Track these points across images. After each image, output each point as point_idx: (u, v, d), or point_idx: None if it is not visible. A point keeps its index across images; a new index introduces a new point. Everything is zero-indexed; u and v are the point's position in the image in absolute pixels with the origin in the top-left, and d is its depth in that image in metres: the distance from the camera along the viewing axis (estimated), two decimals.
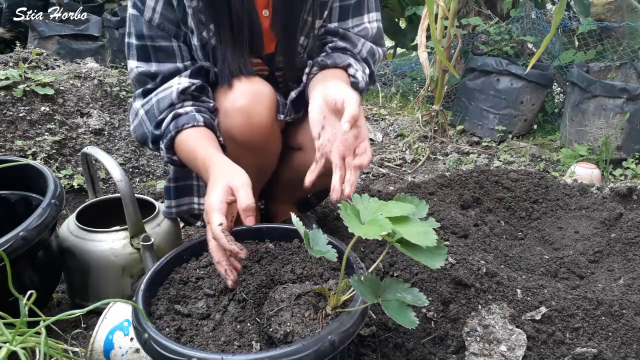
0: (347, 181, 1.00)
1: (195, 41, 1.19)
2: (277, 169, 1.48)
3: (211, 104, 1.22)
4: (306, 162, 1.37)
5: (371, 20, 1.31)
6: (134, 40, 1.18)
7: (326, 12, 1.27)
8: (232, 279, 0.96)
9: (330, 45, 1.27)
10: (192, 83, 1.18)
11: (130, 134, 2.34)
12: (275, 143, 1.34)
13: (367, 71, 1.28)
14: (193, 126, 1.14)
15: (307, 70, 1.27)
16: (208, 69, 1.25)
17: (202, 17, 1.16)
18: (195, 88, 1.19)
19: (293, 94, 1.28)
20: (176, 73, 1.20)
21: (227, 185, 0.97)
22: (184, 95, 1.17)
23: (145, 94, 1.21)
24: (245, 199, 0.93)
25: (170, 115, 1.16)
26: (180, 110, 1.17)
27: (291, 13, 1.22)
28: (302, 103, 1.30)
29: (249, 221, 0.93)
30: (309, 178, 1.05)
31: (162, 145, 1.18)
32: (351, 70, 1.22)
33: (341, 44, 1.27)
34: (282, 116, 1.29)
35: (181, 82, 1.18)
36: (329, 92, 1.04)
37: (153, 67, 1.19)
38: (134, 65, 1.20)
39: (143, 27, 1.16)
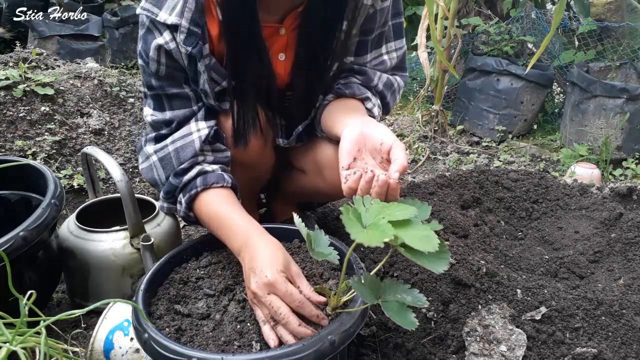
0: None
1: (212, 102, 1.16)
2: (280, 178, 1.48)
3: (228, 155, 1.20)
4: (308, 184, 1.39)
5: (390, 51, 1.25)
6: (146, 90, 1.17)
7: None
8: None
9: (343, 82, 1.21)
10: (210, 127, 1.15)
11: (130, 134, 2.35)
12: (267, 161, 1.35)
13: (379, 103, 1.25)
14: (222, 187, 1.13)
15: (318, 103, 1.23)
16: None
17: (214, 74, 1.12)
18: (212, 135, 1.16)
19: (300, 128, 1.26)
20: (191, 116, 1.16)
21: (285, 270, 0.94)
22: (205, 143, 1.15)
23: (158, 139, 1.18)
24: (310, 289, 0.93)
25: (196, 171, 1.13)
26: (207, 168, 1.14)
27: (313, 63, 1.17)
28: (304, 132, 1.28)
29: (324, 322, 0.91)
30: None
31: (182, 199, 1.15)
32: (368, 104, 1.19)
33: (355, 79, 1.22)
34: (280, 140, 1.29)
35: (200, 128, 1.15)
36: (373, 131, 1.00)
37: (167, 115, 1.16)
38: (149, 113, 1.18)
39: (151, 79, 1.13)
